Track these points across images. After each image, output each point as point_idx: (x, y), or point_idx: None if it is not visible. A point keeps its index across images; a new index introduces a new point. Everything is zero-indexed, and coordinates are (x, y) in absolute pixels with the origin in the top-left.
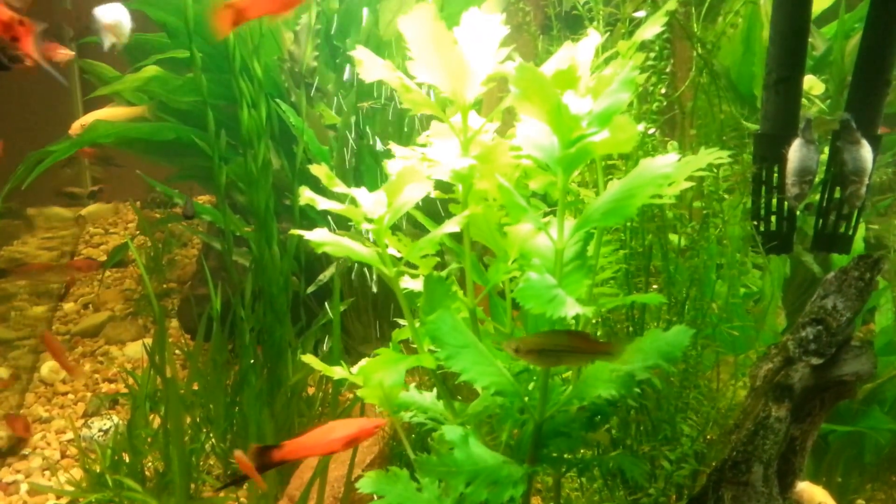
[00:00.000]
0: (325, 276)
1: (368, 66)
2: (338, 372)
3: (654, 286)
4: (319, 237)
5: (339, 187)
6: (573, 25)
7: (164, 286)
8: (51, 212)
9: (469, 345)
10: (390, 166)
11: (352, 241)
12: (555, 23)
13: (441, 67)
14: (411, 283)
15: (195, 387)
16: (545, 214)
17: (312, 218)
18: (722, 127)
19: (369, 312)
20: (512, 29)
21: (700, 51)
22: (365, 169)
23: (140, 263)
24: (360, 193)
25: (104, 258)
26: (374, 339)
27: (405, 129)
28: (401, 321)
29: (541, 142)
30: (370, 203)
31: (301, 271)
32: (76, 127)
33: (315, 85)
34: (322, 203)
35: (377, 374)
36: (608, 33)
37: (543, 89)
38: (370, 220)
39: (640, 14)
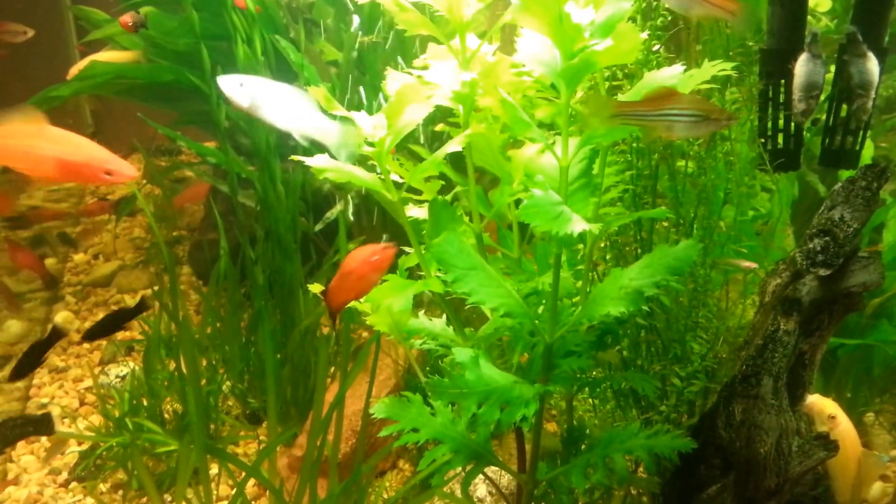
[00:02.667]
0: (332, 214)
1: None
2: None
3: (662, 207)
4: (320, 163)
5: (339, 110)
6: None
7: (174, 234)
8: None
9: (476, 267)
10: (389, 86)
11: (353, 166)
12: None
13: None
14: (416, 211)
15: (209, 330)
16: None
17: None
18: (728, 42)
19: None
20: None
21: None
22: (368, 106)
23: (148, 212)
24: (359, 116)
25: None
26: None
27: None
28: (407, 249)
29: (542, 56)
30: (370, 126)
31: (309, 211)
32: (73, 72)
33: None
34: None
35: (385, 301)
36: None
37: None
38: (371, 144)
39: None
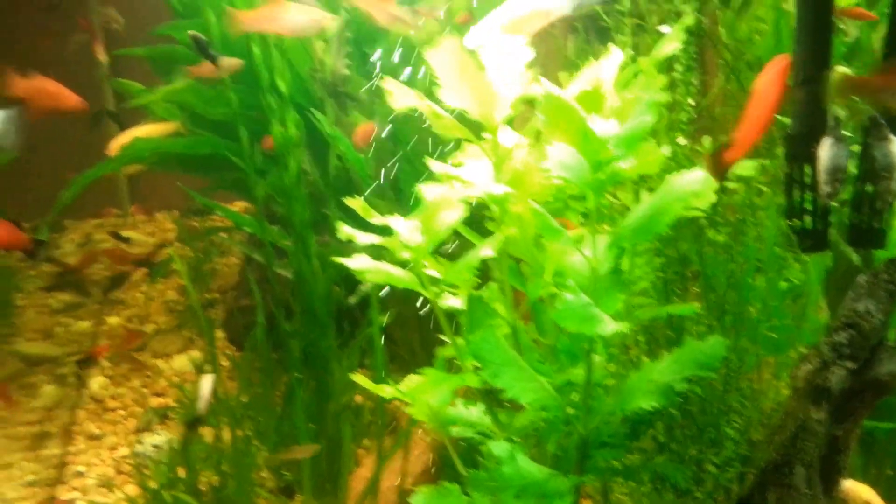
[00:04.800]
0: (366, 287)
1: (398, 95)
2: (387, 391)
3: (694, 289)
4: (361, 265)
5: (376, 218)
6: (600, 32)
7: (206, 296)
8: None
9: (511, 362)
10: (425, 192)
11: (392, 266)
12: (581, 29)
13: (470, 95)
14: (452, 301)
15: (245, 399)
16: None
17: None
18: None
19: (412, 319)
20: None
21: (727, 58)
22: (403, 176)
23: (185, 275)
24: (395, 222)
25: (145, 267)
26: (417, 345)
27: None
28: (444, 337)
29: (571, 164)
30: (407, 231)
31: (342, 280)
32: (114, 147)
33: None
34: (361, 237)
35: (425, 395)
36: (636, 37)
37: (570, 116)
38: (408, 249)
39: (666, 29)
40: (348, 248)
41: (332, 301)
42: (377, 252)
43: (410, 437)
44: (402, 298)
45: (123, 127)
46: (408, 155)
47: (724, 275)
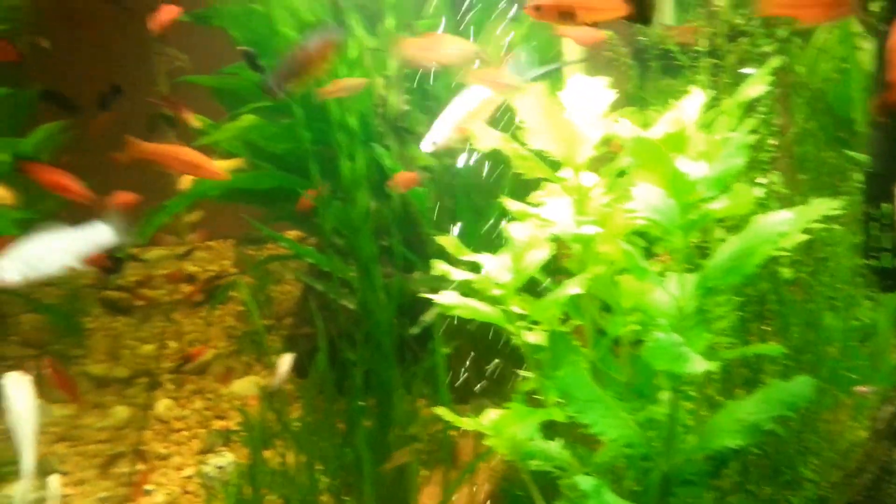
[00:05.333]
0: (428, 318)
1: (484, 137)
2: (468, 423)
3: (767, 328)
4: (449, 301)
5: (467, 255)
6: (668, 68)
7: (264, 322)
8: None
9: (596, 399)
10: (512, 230)
11: (478, 301)
12: (651, 63)
13: (554, 137)
14: (532, 337)
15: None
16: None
17: (411, 260)
18: (832, 172)
19: (469, 350)
20: (603, 63)
21: (806, 96)
22: (459, 208)
23: (251, 303)
24: (485, 259)
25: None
26: (472, 375)
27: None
28: (521, 372)
29: (658, 205)
30: (495, 268)
31: (400, 311)
32: (185, 184)
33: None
34: (455, 274)
35: (511, 428)
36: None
37: (659, 159)
38: (498, 286)
39: (749, 71)
40: (412, 280)
41: (395, 331)
42: (439, 284)
43: (477, 466)
44: (455, 330)
45: (178, 130)
46: (464, 188)
47: (803, 314)
